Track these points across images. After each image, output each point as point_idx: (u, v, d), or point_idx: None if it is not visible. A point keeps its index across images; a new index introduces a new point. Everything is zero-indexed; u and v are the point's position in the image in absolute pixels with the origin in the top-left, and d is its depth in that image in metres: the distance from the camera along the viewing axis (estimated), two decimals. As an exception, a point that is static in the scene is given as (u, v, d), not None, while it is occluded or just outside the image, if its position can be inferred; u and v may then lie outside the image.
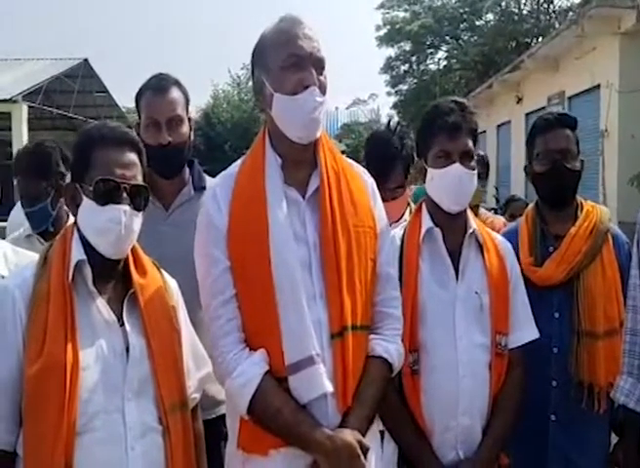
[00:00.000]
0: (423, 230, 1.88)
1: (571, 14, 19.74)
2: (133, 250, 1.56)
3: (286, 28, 1.55)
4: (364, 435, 1.52)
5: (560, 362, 2.07)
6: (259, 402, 1.49)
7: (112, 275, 1.52)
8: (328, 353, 1.51)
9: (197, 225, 1.62)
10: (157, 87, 2.11)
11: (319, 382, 1.49)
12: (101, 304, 1.47)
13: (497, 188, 14.20)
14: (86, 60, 18.04)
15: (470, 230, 1.88)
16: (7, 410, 1.40)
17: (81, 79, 17.92)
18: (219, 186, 1.61)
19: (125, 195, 1.48)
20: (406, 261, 1.85)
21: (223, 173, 1.66)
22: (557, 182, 2.15)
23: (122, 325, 1.49)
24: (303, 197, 1.58)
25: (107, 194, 1.47)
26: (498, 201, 8.65)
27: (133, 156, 1.53)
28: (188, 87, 2.22)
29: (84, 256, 1.47)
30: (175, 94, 2.11)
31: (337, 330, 1.52)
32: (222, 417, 1.94)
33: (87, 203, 1.49)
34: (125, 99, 20.63)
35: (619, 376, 1.85)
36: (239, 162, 1.66)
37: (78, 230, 1.51)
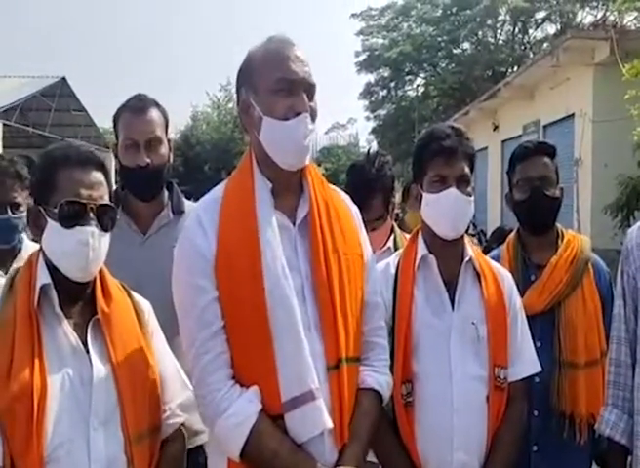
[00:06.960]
0: (418, 257, 1.82)
1: (545, 44, 20.28)
2: (100, 273, 1.50)
3: (277, 49, 1.47)
4: None
5: (541, 392, 2.04)
6: (253, 444, 1.37)
7: (79, 298, 1.47)
8: (325, 387, 1.42)
9: (177, 252, 1.49)
10: (136, 108, 2.05)
11: (319, 419, 1.40)
12: (67, 329, 1.42)
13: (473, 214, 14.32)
14: (64, 79, 17.92)
15: (467, 258, 1.82)
16: None
17: (58, 97, 17.78)
18: (203, 211, 1.49)
19: (92, 215, 1.43)
20: (400, 289, 1.79)
21: (206, 197, 1.54)
22: (537, 209, 2.15)
23: (88, 351, 1.43)
24: (293, 224, 1.50)
25: (74, 216, 1.41)
26: (475, 226, 8.73)
27: (98, 175, 1.47)
28: (167, 108, 2.17)
29: (49, 280, 1.42)
30: (154, 114, 2.06)
31: (333, 362, 1.44)
32: (201, 447, 1.87)
33: (52, 226, 1.43)
34: (102, 119, 20.51)
35: (603, 408, 1.80)
36: (221, 186, 1.55)
37: (43, 254, 1.45)
